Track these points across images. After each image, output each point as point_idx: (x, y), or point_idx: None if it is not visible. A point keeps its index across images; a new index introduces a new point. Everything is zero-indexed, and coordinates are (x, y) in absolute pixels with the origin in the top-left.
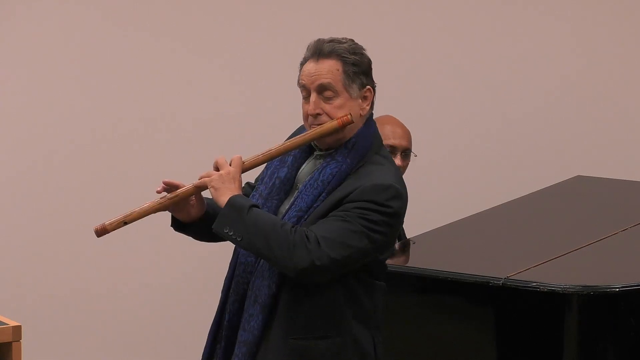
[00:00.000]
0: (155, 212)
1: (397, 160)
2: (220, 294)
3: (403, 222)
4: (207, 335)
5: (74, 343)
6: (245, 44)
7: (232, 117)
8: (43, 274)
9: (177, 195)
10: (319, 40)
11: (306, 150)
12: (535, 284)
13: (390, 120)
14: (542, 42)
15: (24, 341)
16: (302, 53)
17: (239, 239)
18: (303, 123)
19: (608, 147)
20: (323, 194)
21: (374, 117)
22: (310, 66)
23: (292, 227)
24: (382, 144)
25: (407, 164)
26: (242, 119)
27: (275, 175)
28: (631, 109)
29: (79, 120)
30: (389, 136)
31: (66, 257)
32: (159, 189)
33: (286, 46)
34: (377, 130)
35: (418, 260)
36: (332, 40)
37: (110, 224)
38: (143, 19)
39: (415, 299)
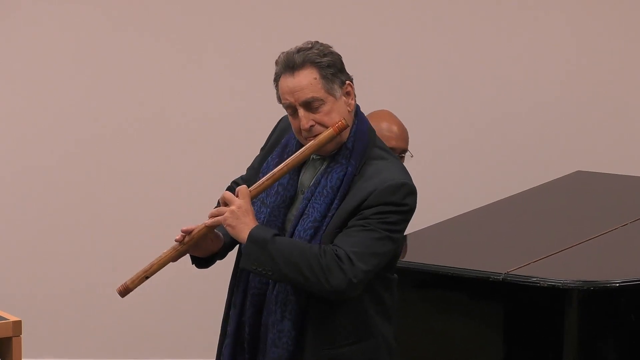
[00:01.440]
0: (174, 260)
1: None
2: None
3: None
4: (207, 334)
5: (73, 338)
6: (247, 44)
7: (234, 116)
8: (43, 270)
9: (192, 239)
10: (287, 53)
11: None
12: (535, 279)
13: (387, 116)
14: (541, 37)
15: (24, 336)
16: None
17: (269, 273)
18: (297, 136)
19: (608, 142)
20: (335, 201)
21: (369, 113)
22: (288, 82)
23: (320, 248)
24: (377, 135)
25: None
26: (244, 117)
27: (277, 183)
28: (631, 104)
29: (80, 119)
30: (387, 137)
31: (67, 253)
32: (178, 237)
33: (288, 46)
34: (370, 124)
35: (419, 256)
36: (300, 50)
37: (132, 282)
38: (143, 19)
39: (416, 294)
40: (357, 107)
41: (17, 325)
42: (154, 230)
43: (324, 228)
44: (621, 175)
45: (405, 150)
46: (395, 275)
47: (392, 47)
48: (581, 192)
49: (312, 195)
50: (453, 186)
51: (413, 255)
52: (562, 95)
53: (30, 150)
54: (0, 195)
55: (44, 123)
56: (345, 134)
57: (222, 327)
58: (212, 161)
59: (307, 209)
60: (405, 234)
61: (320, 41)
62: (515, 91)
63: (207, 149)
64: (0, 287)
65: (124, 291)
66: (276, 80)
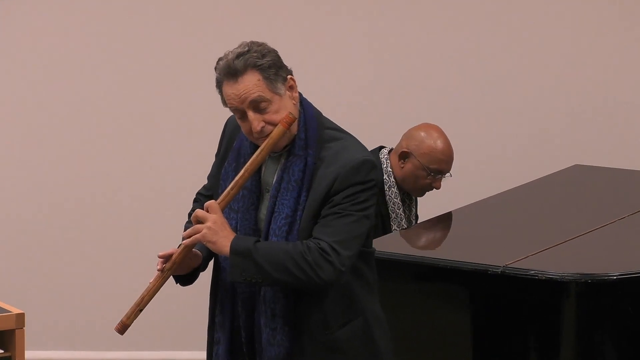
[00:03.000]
0: (161, 287)
1: (439, 184)
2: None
3: None
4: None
5: (76, 330)
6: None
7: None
8: (46, 263)
9: (175, 263)
10: (226, 60)
11: None
12: (533, 271)
13: (441, 136)
14: (538, 31)
15: (26, 328)
16: (303, 53)
17: (260, 280)
18: (249, 138)
19: (605, 137)
20: (303, 193)
21: (420, 124)
22: (232, 88)
23: (303, 245)
24: (324, 117)
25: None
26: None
27: None
28: (628, 99)
29: (81, 116)
30: (442, 159)
31: (69, 247)
32: (159, 266)
33: (288, 45)
34: (314, 108)
35: (417, 248)
36: (239, 55)
37: (128, 318)
38: (143, 18)
39: (416, 287)
40: (300, 96)
41: (20, 317)
42: (155, 225)
43: (298, 222)
44: (619, 169)
45: (448, 171)
46: (373, 248)
47: (385, 44)
48: (579, 185)
49: (277, 192)
50: (452, 180)
51: (413, 249)
52: (560, 89)
53: (31, 146)
54: (4, 190)
55: (46, 119)
56: (295, 125)
57: (208, 334)
58: (209, 159)
59: (276, 207)
60: (405, 227)
61: (254, 40)
62: (513, 85)
63: (207, 147)
64: (3, 280)
65: (122, 328)
66: (219, 86)
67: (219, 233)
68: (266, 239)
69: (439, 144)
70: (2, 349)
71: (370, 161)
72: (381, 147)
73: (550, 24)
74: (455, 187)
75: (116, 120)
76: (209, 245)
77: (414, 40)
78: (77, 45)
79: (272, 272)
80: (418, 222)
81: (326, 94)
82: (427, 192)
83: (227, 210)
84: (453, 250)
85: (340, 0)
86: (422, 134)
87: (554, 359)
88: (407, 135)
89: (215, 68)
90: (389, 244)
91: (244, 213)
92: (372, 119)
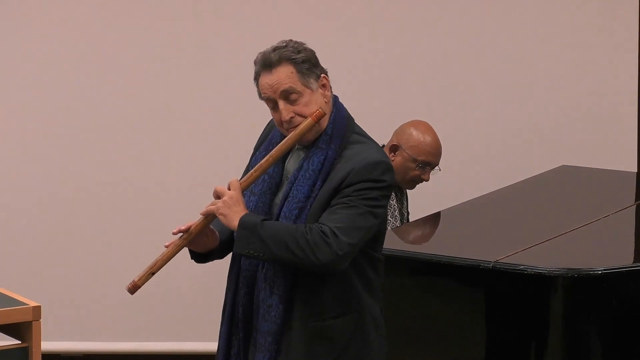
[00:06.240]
0: (176, 254)
1: (428, 176)
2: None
3: None
4: (218, 318)
5: (91, 322)
6: (245, 42)
7: (235, 114)
8: (61, 258)
9: (192, 233)
10: (263, 53)
11: None
12: (522, 266)
13: (429, 130)
14: (526, 33)
15: (43, 320)
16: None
17: (261, 255)
18: (279, 129)
19: (592, 138)
20: (318, 183)
21: (409, 121)
22: (266, 79)
23: (306, 227)
24: (355, 123)
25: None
26: (245, 115)
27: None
28: (615, 101)
29: (87, 113)
30: (429, 152)
31: (83, 241)
32: (175, 230)
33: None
34: (347, 111)
35: (413, 245)
36: (276, 49)
37: (140, 279)
38: (142, 17)
39: (410, 281)
40: (336, 98)
41: (37, 310)
42: (169, 217)
43: (308, 208)
44: (604, 169)
45: (436, 165)
46: (382, 256)
47: (375, 44)
48: (566, 185)
49: (295, 179)
50: (443, 179)
51: (408, 244)
52: (547, 93)
53: (39, 143)
54: (20, 184)
55: (52, 115)
56: (324, 122)
57: (222, 310)
58: (213, 155)
59: (291, 192)
60: (399, 225)
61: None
62: (502, 88)
63: (210, 146)
64: (21, 274)
65: (133, 288)
66: (256, 79)
67: (232, 208)
68: (277, 220)
69: (427, 137)
70: (19, 340)
71: (387, 163)
72: None
73: (538, 25)
74: (446, 186)
75: (125, 112)
76: (221, 219)
77: (402, 41)
78: (81, 37)
79: (273, 248)
80: (410, 218)
81: None
82: (421, 192)
83: (247, 194)
84: (446, 247)
85: (332, 1)
86: (411, 128)
87: (542, 349)
88: (397, 130)
89: (255, 62)
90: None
91: (261, 196)
92: (364, 118)
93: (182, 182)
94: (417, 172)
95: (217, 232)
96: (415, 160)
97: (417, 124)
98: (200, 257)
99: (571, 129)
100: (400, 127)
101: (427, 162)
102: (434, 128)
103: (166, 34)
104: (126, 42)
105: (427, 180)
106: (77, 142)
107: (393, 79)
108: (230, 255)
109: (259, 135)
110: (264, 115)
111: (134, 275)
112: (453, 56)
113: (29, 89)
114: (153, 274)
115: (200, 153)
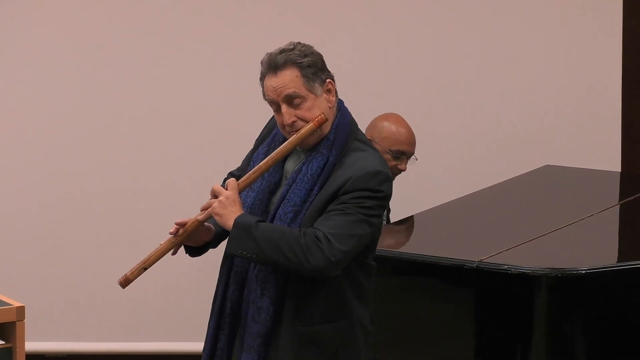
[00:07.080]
0: (171, 251)
1: (404, 165)
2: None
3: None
4: (206, 317)
5: (75, 322)
6: (244, 42)
7: (229, 111)
8: (46, 257)
9: (186, 231)
10: (270, 54)
11: None
12: (506, 266)
13: (397, 120)
14: (509, 32)
15: (27, 320)
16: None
17: (254, 256)
18: (281, 131)
19: (576, 138)
20: (315, 188)
21: (379, 115)
22: (271, 81)
23: (300, 231)
24: (359, 129)
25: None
26: (239, 112)
27: None
28: (599, 101)
29: (84, 113)
30: (402, 141)
31: (68, 240)
32: (172, 230)
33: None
34: (352, 117)
35: (397, 245)
36: (282, 51)
37: (132, 273)
38: (142, 16)
39: (395, 281)
40: (341, 102)
41: (21, 310)
42: (154, 219)
43: (303, 212)
44: (587, 169)
45: (412, 154)
46: (374, 262)
47: (373, 44)
48: (550, 185)
49: (293, 182)
50: (426, 180)
51: (392, 244)
52: (531, 91)
53: (32, 142)
54: (3, 184)
55: (49, 116)
56: (327, 127)
57: (212, 303)
58: (209, 155)
59: (288, 194)
60: (384, 224)
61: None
62: (486, 88)
63: (204, 143)
64: (4, 274)
65: (125, 282)
66: (262, 79)
67: (228, 208)
68: (271, 222)
69: (399, 128)
70: (3, 341)
71: (386, 173)
72: None
73: (521, 26)
74: (430, 186)
75: (123, 112)
76: (216, 218)
77: (388, 40)
78: (82, 38)
79: (266, 250)
80: (392, 218)
81: None
82: (405, 192)
83: (247, 190)
84: (430, 247)
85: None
86: (383, 121)
87: (527, 348)
88: (369, 126)
89: (261, 63)
90: None
91: (259, 193)
92: (355, 117)
93: (180, 182)
94: (393, 163)
95: (212, 227)
96: (390, 152)
97: (387, 116)
98: (194, 251)
99: (555, 128)
100: (371, 121)
101: (401, 152)
102: (417, 129)
103: (167, 34)
104: (126, 42)
105: (404, 170)
106: (71, 141)
107: (376, 78)
108: (223, 247)
109: (260, 131)
110: (264, 115)
111: (121, 275)
112: (438, 57)
113: (28, 89)
114: (145, 269)
115: (199, 153)
